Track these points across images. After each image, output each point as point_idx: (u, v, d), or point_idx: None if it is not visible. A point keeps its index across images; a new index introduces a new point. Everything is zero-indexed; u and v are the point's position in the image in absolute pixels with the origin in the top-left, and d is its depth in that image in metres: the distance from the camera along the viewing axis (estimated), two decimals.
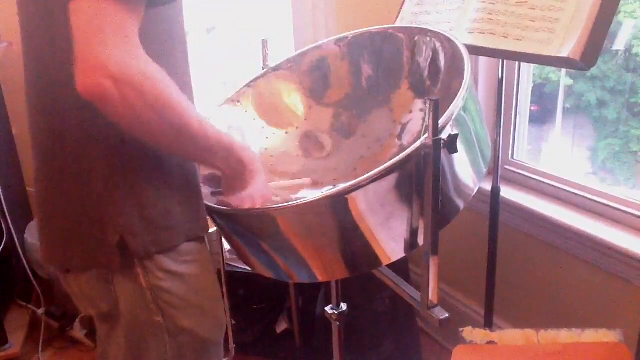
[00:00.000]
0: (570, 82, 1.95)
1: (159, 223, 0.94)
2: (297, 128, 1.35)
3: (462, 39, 1.23)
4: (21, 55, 0.96)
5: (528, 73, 1.79)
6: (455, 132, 0.90)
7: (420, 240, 0.95)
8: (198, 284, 1.02)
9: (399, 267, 1.09)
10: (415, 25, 1.40)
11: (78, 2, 0.76)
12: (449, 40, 1.13)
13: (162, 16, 0.89)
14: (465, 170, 1.01)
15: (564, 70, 1.90)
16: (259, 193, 1.03)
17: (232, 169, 0.99)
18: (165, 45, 0.92)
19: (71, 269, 1.01)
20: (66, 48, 0.79)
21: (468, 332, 1.32)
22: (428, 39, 1.19)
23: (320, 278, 1.03)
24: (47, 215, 0.99)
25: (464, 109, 0.96)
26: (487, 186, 1.60)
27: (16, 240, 2.16)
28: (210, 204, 1.05)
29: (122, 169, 0.91)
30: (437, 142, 0.87)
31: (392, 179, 0.90)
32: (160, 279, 0.96)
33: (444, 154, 0.88)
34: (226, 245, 1.43)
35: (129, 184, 0.91)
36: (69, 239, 0.96)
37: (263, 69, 1.38)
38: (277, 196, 1.17)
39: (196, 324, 1.02)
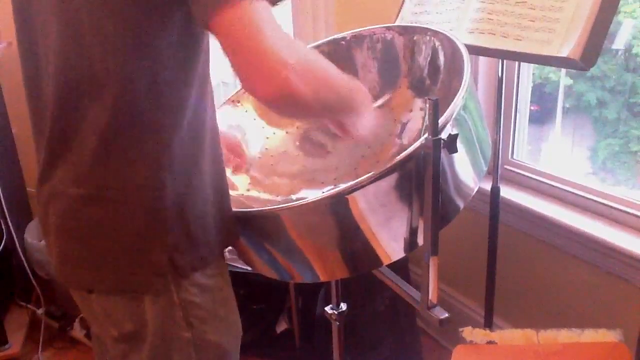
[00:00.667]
0: (570, 82, 1.95)
1: (200, 239, 0.93)
2: (297, 128, 1.35)
3: (462, 38, 1.23)
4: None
5: (528, 73, 1.79)
6: (455, 131, 0.90)
7: (420, 240, 0.95)
8: (223, 296, 1.01)
9: (399, 267, 1.09)
10: (415, 25, 1.40)
11: (220, 16, 0.75)
12: (448, 39, 1.13)
13: None
14: (465, 170, 1.01)
15: (564, 70, 1.90)
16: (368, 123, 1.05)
17: (357, 111, 1.01)
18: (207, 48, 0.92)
19: (99, 291, 0.95)
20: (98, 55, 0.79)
21: (468, 332, 1.32)
22: (428, 38, 1.19)
23: (321, 278, 1.03)
24: (73, 234, 0.92)
25: (464, 108, 0.96)
26: (487, 186, 1.60)
27: (16, 240, 2.16)
28: None
29: (170, 187, 0.88)
30: (437, 142, 0.87)
31: (392, 179, 0.90)
32: (192, 294, 0.94)
33: (443, 153, 0.88)
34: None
35: (176, 201, 0.89)
36: (101, 260, 0.91)
37: None
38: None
39: (221, 337, 1.01)
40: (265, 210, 1.03)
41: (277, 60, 0.75)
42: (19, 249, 2.16)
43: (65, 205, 0.92)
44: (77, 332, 2.24)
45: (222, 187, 0.99)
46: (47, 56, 0.89)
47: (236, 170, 1.25)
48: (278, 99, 0.77)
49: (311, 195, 1.18)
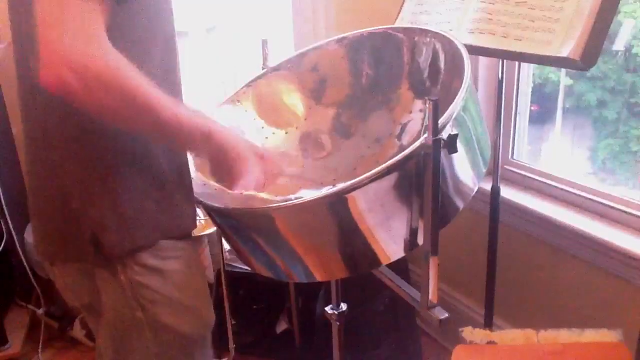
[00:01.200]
0: (570, 82, 1.95)
1: (133, 220, 0.95)
2: (296, 128, 1.35)
3: (462, 38, 1.23)
4: None
5: (528, 73, 1.79)
6: (455, 132, 0.90)
7: (420, 240, 0.95)
8: (180, 280, 1.02)
9: (399, 267, 1.09)
10: (415, 26, 1.40)
11: None
12: (449, 40, 1.13)
13: (136, 11, 0.88)
14: (465, 170, 1.01)
15: (564, 70, 1.90)
16: (251, 177, 1.00)
17: (214, 155, 0.98)
18: (142, 40, 0.91)
19: (54, 261, 1.04)
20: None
21: (468, 332, 1.32)
22: (428, 39, 1.19)
23: (319, 278, 1.03)
24: (34, 209, 1.01)
25: (464, 109, 0.96)
26: (487, 186, 1.60)
27: (16, 240, 2.16)
28: (208, 203, 1.05)
29: (96, 163, 0.92)
30: (437, 142, 0.87)
31: (391, 178, 0.90)
32: (138, 274, 0.97)
33: (443, 153, 0.88)
34: (226, 245, 1.43)
35: (103, 179, 0.92)
36: (51, 232, 0.98)
37: (263, 69, 1.38)
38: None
39: (178, 321, 1.02)
40: (263, 208, 1.03)
41: (59, 57, 0.75)
42: (19, 249, 2.16)
43: (29, 184, 1.00)
44: (77, 332, 2.24)
45: (173, 171, 1.00)
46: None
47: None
48: (51, 88, 0.78)
49: (310, 195, 1.18)
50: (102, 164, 0.92)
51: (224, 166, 1.00)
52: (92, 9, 0.78)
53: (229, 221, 1.07)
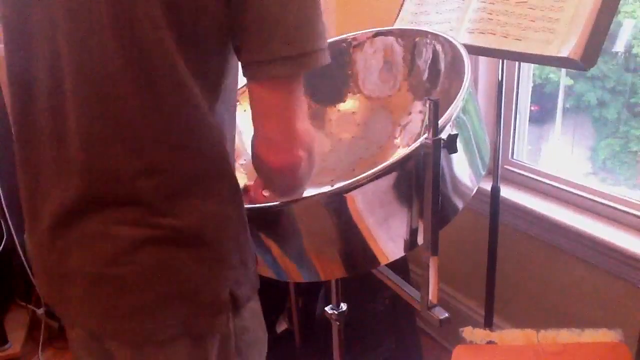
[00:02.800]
0: (570, 82, 1.95)
1: (251, 265, 0.89)
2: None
3: (462, 38, 1.23)
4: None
5: (528, 73, 1.79)
6: (454, 132, 0.90)
7: (420, 240, 0.95)
8: (260, 315, 0.96)
9: (399, 267, 1.10)
10: (415, 27, 1.40)
11: (274, 84, 0.77)
12: (449, 42, 1.13)
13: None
14: (464, 171, 1.01)
15: (564, 70, 1.90)
16: None
17: None
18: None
19: (155, 342, 0.83)
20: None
21: (468, 332, 1.32)
22: (428, 40, 1.19)
23: (319, 278, 1.03)
24: (115, 282, 0.81)
25: (464, 109, 0.96)
26: (487, 186, 1.60)
27: (16, 240, 2.16)
28: None
29: (230, 218, 0.84)
30: (437, 142, 0.87)
31: (391, 178, 0.90)
32: (244, 319, 0.89)
33: (443, 153, 0.88)
34: None
35: (234, 232, 0.85)
36: (159, 307, 0.81)
37: None
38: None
39: (259, 357, 0.98)
40: (262, 207, 1.03)
41: (299, 141, 0.79)
42: (19, 249, 2.16)
43: (112, 250, 0.80)
44: None
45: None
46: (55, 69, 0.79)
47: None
48: (284, 170, 0.81)
49: (308, 195, 1.18)
50: (232, 221, 0.85)
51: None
52: (301, 93, 0.80)
53: None
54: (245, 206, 1.01)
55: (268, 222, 0.99)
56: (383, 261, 0.98)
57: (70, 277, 0.83)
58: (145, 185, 0.78)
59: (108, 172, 0.78)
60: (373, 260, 0.97)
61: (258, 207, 1.02)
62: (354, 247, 0.96)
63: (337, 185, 1.00)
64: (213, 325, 0.85)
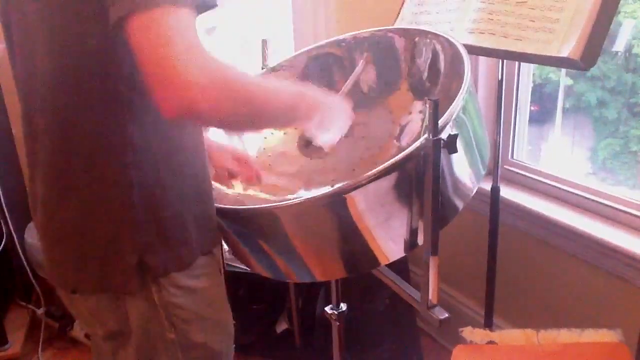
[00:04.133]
0: (570, 82, 1.95)
1: (177, 240, 0.92)
2: (295, 128, 1.35)
3: (462, 38, 1.23)
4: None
5: (528, 73, 1.79)
6: (454, 132, 0.90)
7: (420, 240, 0.95)
8: (210, 297, 1.00)
9: (399, 267, 1.09)
10: (415, 27, 1.40)
11: (136, 19, 0.73)
12: (449, 42, 1.13)
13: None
14: (464, 171, 1.01)
15: (564, 70, 1.90)
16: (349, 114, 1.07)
17: (316, 119, 0.99)
18: None
19: (81, 291, 0.96)
20: (93, 63, 0.79)
21: (468, 332, 1.33)
22: (428, 40, 1.19)
23: (319, 278, 1.03)
24: (54, 236, 0.95)
25: (464, 109, 0.96)
26: (487, 186, 1.60)
27: (16, 240, 2.16)
28: None
29: (138, 185, 0.88)
30: (437, 142, 0.87)
31: (391, 178, 0.90)
32: (174, 295, 0.94)
33: (443, 154, 0.88)
34: (226, 245, 1.43)
35: (146, 201, 0.88)
36: (79, 261, 0.93)
37: (263, 69, 1.38)
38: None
39: (209, 338, 1.00)
40: (262, 207, 1.03)
41: (182, 80, 0.73)
42: (19, 249, 2.16)
43: (44, 208, 0.93)
44: (77, 332, 2.24)
45: (204, 188, 0.98)
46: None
47: (247, 182, 1.23)
48: (180, 117, 0.76)
49: (309, 195, 1.18)
50: (145, 185, 0.88)
51: (320, 124, 1.00)
52: (190, 20, 0.76)
53: (228, 220, 1.07)
54: (244, 207, 1.02)
55: (268, 222, 0.99)
56: (383, 261, 0.98)
57: (37, 230, 0.99)
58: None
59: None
60: (373, 260, 0.97)
61: (258, 208, 1.02)
62: (355, 248, 0.96)
63: (338, 185, 1.00)
64: (125, 286, 0.91)
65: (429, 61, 1.20)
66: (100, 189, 0.88)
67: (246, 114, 0.83)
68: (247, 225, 1.03)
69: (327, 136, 1.02)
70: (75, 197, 0.90)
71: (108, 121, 0.85)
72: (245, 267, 1.14)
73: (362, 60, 1.28)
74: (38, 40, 0.86)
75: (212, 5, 0.81)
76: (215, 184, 1.19)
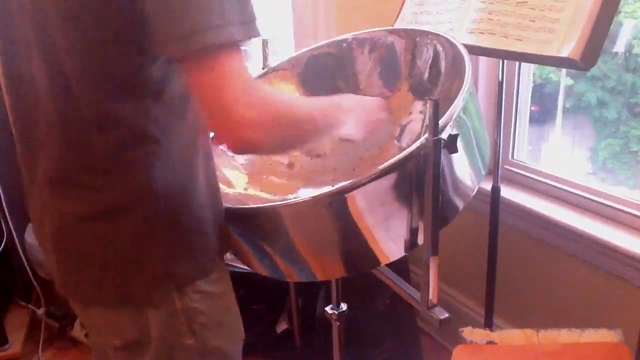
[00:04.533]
0: (570, 82, 1.95)
1: (200, 247, 0.92)
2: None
3: (462, 39, 1.23)
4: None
5: (528, 73, 1.79)
6: (455, 132, 0.90)
7: (420, 240, 0.95)
8: (225, 301, 1.00)
9: (399, 267, 1.09)
10: (416, 27, 1.40)
11: (197, 59, 0.76)
12: (449, 42, 1.13)
13: None
14: (465, 171, 1.01)
15: (564, 70, 1.90)
16: (364, 117, 1.08)
17: (354, 126, 1.04)
18: None
19: (102, 304, 0.95)
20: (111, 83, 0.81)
21: (468, 332, 1.33)
22: (429, 40, 1.19)
23: (319, 277, 1.03)
24: (70, 249, 0.92)
25: (464, 109, 0.96)
26: (487, 186, 1.60)
27: (16, 240, 2.16)
28: None
29: (159, 196, 0.87)
30: (437, 142, 0.87)
31: (391, 178, 0.90)
32: (194, 301, 0.93)
33: (443, 154, 0.88)
34: None
35: (168, 210, 0.88)
36: (100, 274, 0.90)
37: (263, 69, 1.38)
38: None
39: (224, 342, 1.00)
40: (263, 207, 1.03)
41: (239, 121, 0.78)
42: (19, 249, 2.16)
43: (59, 222, 0.92)
44: (77, 332, 2.24)
45: (216, 193, 0.98)
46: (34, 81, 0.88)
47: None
48: (240, 151, 0.84)
49: (309, 195, 1.18)
50: (167, 195, 0.88)
51: (348, 127, 1.04)
52: (241, 58, 0.79)
53: (228, 219, 1.07)
54: (245, 206, 1.02)
55: (269, 222, 0.99)
56: (384, 261, 0.98)
57: (44, 239, 0.97)
58: (71, 160, 0.88)
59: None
60: (374, 260, 0.97)
61: (259, 208, 1.02)
62: (355, 247, 0.96)
63: (338, 185, 1.00)
64: (149, 298, 0.91)
65: (429, 61, 1.19)
66: (125, 202, 0.87)
67: (294, 136, 0.91)
68: (248, 225, 1.03)
69: (352, 129, 1.06)
70: (95, 210, 0.88)
71: (132, 134, 0.85)
72: (245, 267, 1.14)
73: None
74: (58, 43, 0.83)
75: (256, 36, 0.83)
76: None
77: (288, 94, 0.89)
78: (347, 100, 1.06)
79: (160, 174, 0.87)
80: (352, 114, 1.04)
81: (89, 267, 0.91)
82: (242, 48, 0.79)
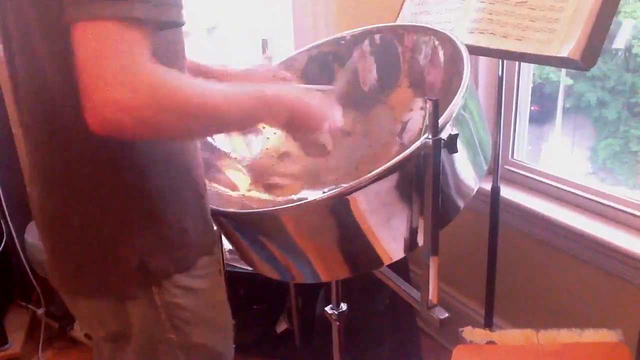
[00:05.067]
0: (570, 82, 1.95)
1: (177, 242, 0.93)
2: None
3: (462, 39, 1.23)
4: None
5: (528, 73, 1.79)
6: (455, 131, 0.90)
7: (421, 240, 0.95)
8: (210, 298, 1.00)
9: (399, 267, 1.09)
10: (415, 24, 1.40)
11: (80, 28, 0.71)
12: (449, 39, 1.13)
13: (168, 38, 0.85)
14: (466, 170, 1.01)
15: (564, 70, 1.90)
16: (324, 114, 1.00)
17: (283, 119, 0.94)
18: (170, 65, 0.84)
19: (84, 294, 0.97)
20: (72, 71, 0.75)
21: (468, 332, 1.32)
22: (428, 37, 1.19)
23: (323, 278, 1.03)
24: (56, 239, 0.96)
25: (464, 108, 0.96)
26: (487, 186, 1.60)
27: (16, 240, 2.16)
28: (214, 207, 1.04)
29: (138, 190, 0.88)
30: (437, 142, 0.87)
31: (392, 179, 0.90)
32: (175, 296, 0.94)
33: (444, 153, 0.88)
34: (226, 245, 1.43)
35: (146, 204, 0.89)
36: (80, 264, 0.93)
37: None
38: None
39: (209, 339, 1.00)
40: (266, 210, 1.03)
41: (106, 97, 0.70)
42: (19, 249, 2.16)
43: (47, 215, 0.94)
44: (77, 332, 2.24)
45: (199, 190, 0.98)
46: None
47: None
48: (103, 132, 0.73)
49: (312, 195, 1.18)
50: (145, 189, 0.88)
51: (293, 124, 0.96)
52: (137, 37, 0.72)
53: (234, 222, 1.07)
54: (250, 210, 1.02)
55: (270, 223, 0.99)
56: (386, 261, 0.98)
57: (40, 231, 1.00)
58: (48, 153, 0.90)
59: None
60: (376, 260, 0.97)
61: (262, 212, 1.02)
62: (357, 248, 0.96)
63: (340, 186, 1.00)
64: (126, 290, 0.92)
65: (428, 58, 1.20)
66: (100, 193, 0.88)
67: (191, 126, 0.80)
68: (252, 228, 1.03)
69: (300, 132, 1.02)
70: (75, 201, 0.90)
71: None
72: (245, 267, 1.14)
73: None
74: (36, 40, 0.84)
75: (179, 24, 0.80)
76: (219, 187, 1.19)
77: (195, 82, 0.79)
78: (272, 93, 0.93)
79: (139, 168, 0.87)
80: (289, 111, 0.94)
81: (72, 256, 0.94)
82: (145, 31, 0.72)
